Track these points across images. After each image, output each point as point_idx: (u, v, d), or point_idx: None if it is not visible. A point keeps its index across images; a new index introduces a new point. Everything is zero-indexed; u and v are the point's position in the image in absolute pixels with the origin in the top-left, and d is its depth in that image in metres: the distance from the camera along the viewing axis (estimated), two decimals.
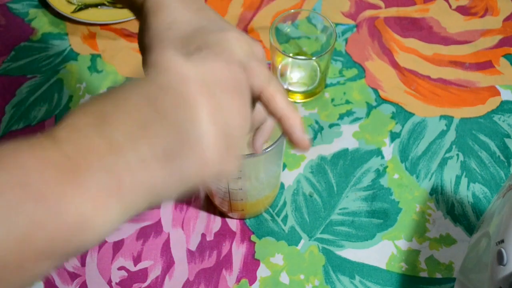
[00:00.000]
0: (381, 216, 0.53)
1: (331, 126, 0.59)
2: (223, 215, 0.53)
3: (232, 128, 0.28)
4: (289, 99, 0.61)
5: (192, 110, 0.26)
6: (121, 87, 0.27)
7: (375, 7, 0.70)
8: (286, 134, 0.32)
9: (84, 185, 0.23)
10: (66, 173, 0.23)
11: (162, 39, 0.33)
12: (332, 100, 0.61)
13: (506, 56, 0.65)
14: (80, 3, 0.68)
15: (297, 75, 0.62)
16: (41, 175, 0.23)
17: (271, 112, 0.32)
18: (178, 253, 0.51)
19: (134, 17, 0.67)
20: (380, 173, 0.56)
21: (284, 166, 0.56)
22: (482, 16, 0.69)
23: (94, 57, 0.65)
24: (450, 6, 0.71)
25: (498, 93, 0.62)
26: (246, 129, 0.30)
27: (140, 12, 0.35)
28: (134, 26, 0.68)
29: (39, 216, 0.22)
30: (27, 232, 0.22)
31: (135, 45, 0.66)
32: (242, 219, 0.53)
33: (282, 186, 0.55)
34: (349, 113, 0.60)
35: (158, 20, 0.34)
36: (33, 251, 0.23)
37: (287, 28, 0.61)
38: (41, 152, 0.23)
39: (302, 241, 0.52)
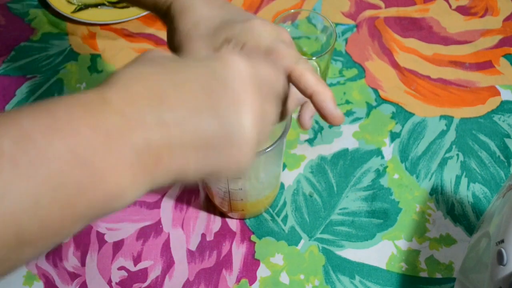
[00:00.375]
0: (381, 216, 0.53)
1: (331, 126, 0.59)
2: (223, 215, 0.53)
3: (265, 132, 0.30)
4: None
5: (240, 108, 0.27)
6: (181, 62, 0.28)
7: (375, 7, 0.70)
8: (318, 109, 0.33)
9: (125, 158, 0.25)
10: (113, 143, 0.24)
11: (191, 37, 0.35)
12: None
13: (506, 56, 0.65)
14: (80, 3, 0.68)
15: None
16: (91, 145, 0.24)
17: (302, 90, 0.32)
18: (178, 253, 0.51)
19: (134, 17, 0.67)
20: (380, 173, 0.56)
21: (284, 166, 0.56)
22: (482, 16, 0.69)
23: (94, 57, 0.65)
24: (450, 6, 0.71)
25: (498, 93, 0.62)
26: (269, 135, 0.31)
27: (166, 16, 0.37)
28: (134, 26, 0.68)
29: (83, 184, 0.24)
30: (70, 198, 0.23)
31: (135, 45, 0.66)
32: (242, 219, 0.53)
33: (282, 186, 0.55)
34: (349, 113, 0.60)
35: (185, 20, 0.36)
36: (72, 215, 0.24)
37: (287, 28, 0.61)
38: (94, 120, 0.24)
39: (302, 241, 0.52)
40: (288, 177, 0.56)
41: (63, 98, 0.25)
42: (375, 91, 0.62)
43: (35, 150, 0.22)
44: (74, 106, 0.24)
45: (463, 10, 0.70)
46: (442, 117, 0.60)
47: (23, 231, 0.22)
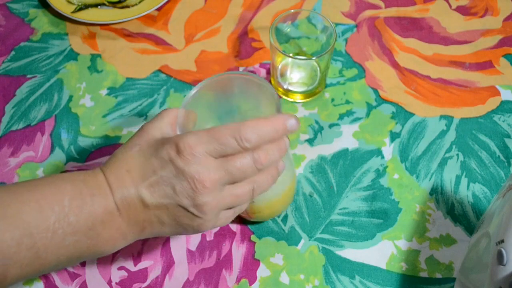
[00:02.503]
0: (381, 216, 0.53)
1: (331, 126, 0.59)
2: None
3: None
4: (289, 99, 0.61)
5: (200, 209, 0.38)
6: (156, 157, 0.38)
7: (375, 7, 0.70)
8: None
9: (120, 229, 0.38)
10: (115, 219, 0.37)
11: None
12: (332, 100, 0.61)
13: (506, 56, 0.65)
14: (80, 3, 0.68)
15: (297, 75, 0.62)
16: (102, 222, 0.37)
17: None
18: (178, 253, 0.51)
19: (134, 17, 0.67)
20: (380, 173, 0.56)
21: None
22: (482, 16, 0.69)
23: (94, 57, 0.65)
24: (450, 6, 0.71)
25: (498, 93, 0.62)
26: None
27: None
28: (134, 26, 0.68)
29: (91, 246, 0.37)
30: (81, 254, 0.37)
31: (135, 45, 0.66)
32: (262, 221, 0.53)
33: None
34: (349, 113, 0.60)
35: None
36: (76, 261, 0.38)
37: (287, 28, 0.61)
38: (105, 202, 0.37)
39: (302, 241, 0.52)
40: None
41: (88, 180, 0.37)
42: (375, 91, 0.62)
43: (71, 227, 0.35)
44: (94, 189, 0.37)
45: (463, 10, 0.70)
46: (442, 117, 0.60)
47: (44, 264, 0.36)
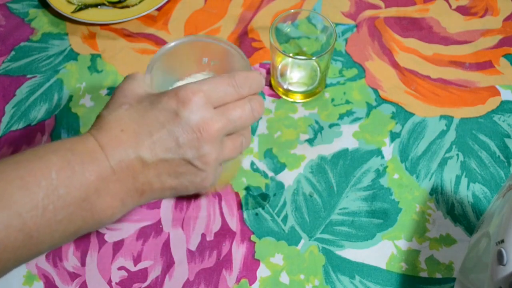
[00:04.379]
0: (381, 216, 0.53)
1: (331, 126, 0.59)
2: (223, 214, 0.53)
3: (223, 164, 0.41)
4: (289, 99, 0.61)
5: (203, 159, 0.37)
6: (148, 105, 0.37)
7: (375, 7, 0.70)
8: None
9: (117, 195, 0.35)
10: (110, 185, 0.34)
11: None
12: (332, 100, 0.61)
13: (506, 56, 0.65)
14: (80, 3, 0.68)
15: (297, 75, 0.62)
16: (96, 191, 0.34)
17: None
18: (178, 253, 0.51)
19: (134, 17, 0.67)
20: (380, 173, 0.56)
21: (284, 166, 0.56)
22: (482, 16, 0.69)
23: (94, 57, 0.65)
24: (450, 6, 0.71)
25: (498, 93, 0.62)
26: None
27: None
28: (134, 26, 0.68)
29: (87, 218, 0.34)
30: (77, 228, 0.34)
31: (135, 45, 0.66)
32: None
33: (282, 186, 0.55)
34: (349, 113, 0.60)
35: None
36: (74, 236, 0.35)
37: (287, 28, 0.61)
38: (97, 168, 0.34)
39: (302, 241, 0.52)
40: (288, 177, 0.56)
41: (75, 148, 0.34)
42: (375, 91, 0.62)
43: (61, 200, 0.32)
44: (84, 155, 0.34)
45: (463, 10, 0.70)
46: (442, 117, 0.60)
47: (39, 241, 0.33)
